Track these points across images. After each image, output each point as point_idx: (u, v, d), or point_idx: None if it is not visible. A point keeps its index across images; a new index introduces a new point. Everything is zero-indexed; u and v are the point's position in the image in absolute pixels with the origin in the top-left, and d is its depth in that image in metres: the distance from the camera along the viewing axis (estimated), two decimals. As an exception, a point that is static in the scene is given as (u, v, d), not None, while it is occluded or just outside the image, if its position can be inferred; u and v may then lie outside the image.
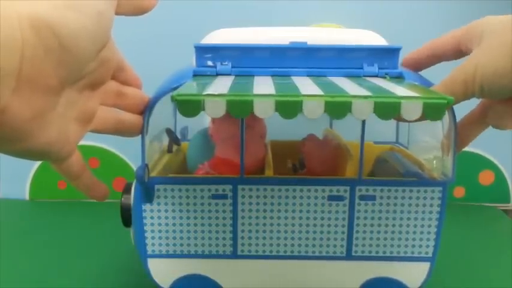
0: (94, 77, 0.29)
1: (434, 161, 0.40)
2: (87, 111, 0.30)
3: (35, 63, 0.22)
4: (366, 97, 0.25)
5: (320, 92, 0.27)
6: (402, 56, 0.37)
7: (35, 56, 0.22)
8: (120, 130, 0.33)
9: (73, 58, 0.24)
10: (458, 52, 0.35)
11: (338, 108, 0.25)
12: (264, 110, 0.25)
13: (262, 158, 0.43)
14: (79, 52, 0.24)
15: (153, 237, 0.37)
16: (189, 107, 0.25)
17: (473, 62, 0.31)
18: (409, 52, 0.38)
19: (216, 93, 0.26)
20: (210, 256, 0.37)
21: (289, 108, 0.25)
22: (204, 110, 0.25)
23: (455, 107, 0.33)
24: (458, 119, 0.34)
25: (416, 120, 0.27)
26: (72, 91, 0.27)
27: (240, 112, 0.25)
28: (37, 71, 0.23)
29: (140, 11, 0.30)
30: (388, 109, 0.25)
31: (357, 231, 0.36)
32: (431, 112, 0.25)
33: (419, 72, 0.38)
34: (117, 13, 0.28)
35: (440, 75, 0.37)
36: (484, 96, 0.31)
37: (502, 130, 0.34)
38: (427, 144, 0.45)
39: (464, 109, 0.35)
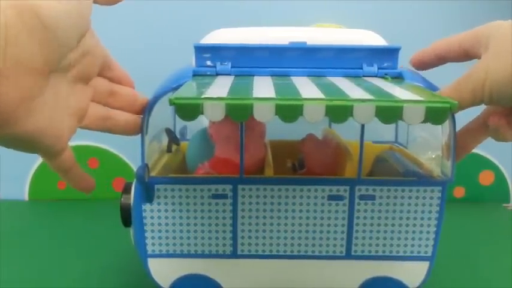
0: (80, 68, 0.29)
1: (434, 159, 0.40)
2: (80, 107, 0.30)
3: (20, 44, 0.23)
4: (367, 101, 0.25)
5: (320, 95, 0.27)
6: (402, 56, 0.37)
7: (18, 37, 0.23)
8: (112, 128, 0.33)
9: (56, 39, 0.25)
10: (464, 56, 0.34)
11: (339, 112, 0.25)
12: (263, 114, 0.25)
13: (261, 157, 0.43)
14: (61, 33, 0.25)
15: (153, 237, 0.37)
16: (188, 110, 0.25)
17: (482, 69, 0.30)
18: (415, 51, 0.38)
19: (215, 96, 0.26)
20: (210, 256, 0.37)
21: (289, 112, 0.25)
22: (203, 113, 0.25)
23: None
24: (458, 119, 0.34)
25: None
26: (62, 83, 0.28)
27: (239, 116, 0.25)
28: (22, 52, 0.23)
29: (113, 1, 0.31)
30: (389, 113, 0.25)
31: (357, 231, 0.36)
32: (434, 116, 0.25)
33: (420, 72, 0.38)
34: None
35: (441, 75, 0.37)
36: (492, 103, 0.31)
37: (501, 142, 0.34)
38: (426, 144, 0.45)
39: (464, 110, 0.35)
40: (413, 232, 0.36)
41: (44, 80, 0.25)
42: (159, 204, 0.36)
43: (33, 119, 0.25)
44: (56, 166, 0.31)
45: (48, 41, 0.24)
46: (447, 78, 0.37)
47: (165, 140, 0.45)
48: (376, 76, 0.36)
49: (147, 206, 0.36)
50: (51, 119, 0.27)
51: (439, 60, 0.36)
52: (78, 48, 0.28)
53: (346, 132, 0.45)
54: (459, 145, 0.35)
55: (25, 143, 0.26)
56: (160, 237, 0.37)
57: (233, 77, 0.35)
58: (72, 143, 0.31)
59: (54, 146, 0.28)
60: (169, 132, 0.46)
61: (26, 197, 0.67)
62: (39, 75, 0.25)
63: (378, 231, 0.36)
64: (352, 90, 0.29)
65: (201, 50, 0.35)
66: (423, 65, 0.37)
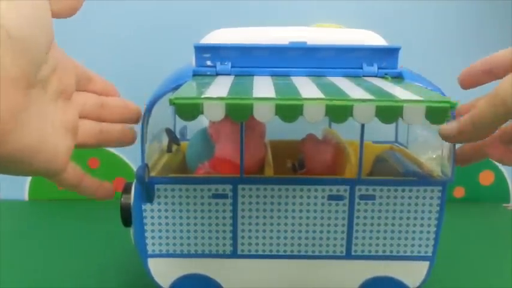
0: (56, 84, 0.29)
1: (434, 159, 0.40)
2: (69, 123, 0.30)
3: None
4: (367, 101, 0.25)
5: (320, 95, 0.27)
6: (402, 56, 0.37)
7: None
8: (108, 141, 0.33)
9: (25, 49, 0.25)
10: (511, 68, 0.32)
11: (339, 112, 0.25)
12: (263, 113, 0.25)
13: (262, 157, 0.43)
14: (29, 42, 0.25)
15: (153, 237, 0.37)
16: (188, 110, 0.25)
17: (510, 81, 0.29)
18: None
19: (215, 96, 0.26)
20: (210, 256, 0.37)
21: (289, 112, 0.25)
22: (203, 113, 0.25)
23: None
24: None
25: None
26: (44, 100, 0.28)
27: (239, 116, 0.25)
28: None
29: (74, 11, 0.30)
30: (390, 113, 0.25)
31: (357, 231, 0.36)
32: (435, 116, 0.25)
33: (420, 73, 0.38)
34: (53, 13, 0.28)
35: (441, 75, 0.37)
36: None
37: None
38: (427, 144, 0.45)
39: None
40: (414, 232, 0.36)
41: (25, 92, 0.25)
42: (159, 204, 0.36)
43: (22, 135, 0.25)
44: (61, 184, 0.31)
45: (18, 51, 0.24)
46: (447, 78, 0.37)
47: (165, 140, 0.45)
48: (376, 76, 0.36)
49: (147, 206, 0.36)
50: (41, 137, 0.27)
51: (487, 75, 0.34)
52: (48, 63, 0.28)
53: (346, 132, 0.45)
54: (460, 159, 0.35)
55: (17, 163, 0.26)
56: (160, 237, 0.37)
57: (233, 76, 0.35)
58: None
59: (50, 166, 0.28)
60: (169, 132, 0.46)
61: (26, 197, 0.67)
62: (19, 86, 0.25)
63: (378, 231, 0.36)
64: (352, 90, 0.29)
65: (201, 50, 0.36)
66: (471, 82, 0.35)
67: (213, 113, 0.25)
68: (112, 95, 0.35)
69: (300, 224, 0.36)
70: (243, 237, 0.36)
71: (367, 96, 0.27)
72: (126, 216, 0.36)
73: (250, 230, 0.36)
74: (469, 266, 0.47)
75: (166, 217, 0.36)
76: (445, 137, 0.32)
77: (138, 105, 0.36)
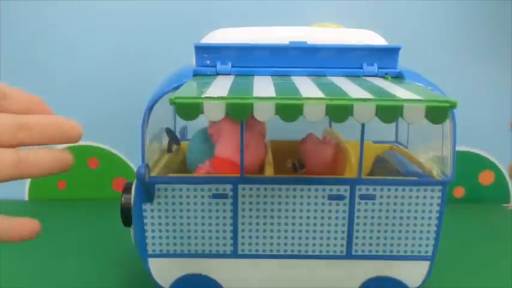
0: None
1: (434, 159, 0.40)
2: None
3: None
4: (367, 100, 0.25)
5: (321, 94, 0.27)
6: (403, 56, 0.37)
7: None
8: (31, 172, 0.26)
9: None
10: None
11: (339, 112, 0.25)
12: (264, 113, 0.25)
13: (262, 157, 0.43)
14: None
15: (153, 237, 0.37)
16: (188, 110, 0.25)
17: None
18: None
19: (215, 96, 0.26)
20: (210, 255, 0.37)
21: (289, 111, 0.25)
22: (203, 113, 0.25)
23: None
24: (458, 118, 0.34)
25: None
26: None
27: (239, 115, 0.26)
28: None
29: None
30: (390, 112, 0.25)
31: (357, 231, 0.36)
32: (434, 115, 0.25)
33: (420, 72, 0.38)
34: None
35: (441, 74, 0.37)
36: None
37: None
38: (427, 144, 0.45)
39: (464, 110, 0.35)
40: (414, 232, 0.36)
41: None
42: (159, 204, 0.36)
43: None
44: None
45: None
46: (447, 78, 0.37)
47: (165, 140, 0.45)
48: (376, 76, 0.36)
49: (147, 206, 0.36)
50: None
51: None
52: None
53: (346, 132, 0.45)
54: None
55: None
56: (160, 237, 0.37)
57: (233, 76, 0.35)
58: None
59: None
60: (169, 132, 0.46)
61: (26, 197, 0.66)
62: None
63: (378, 231, 0.36)
64: (353, 89, 0.29)
65: (201, 50, 0.36)
66: None
67: (213, 113, 0.25)
68: (39, 111, 0.27)
69: (300, 224, 0.36)
70: (243, 237, 0.36)
71: (368, 95, 0.27)
72: (126, 216, 0.36)
73: (250, 230, 0.36)
74: (469, 266, 0.47)
75: (167, 217, 0.36)
76: None
77: (79, 121, 0.27)
